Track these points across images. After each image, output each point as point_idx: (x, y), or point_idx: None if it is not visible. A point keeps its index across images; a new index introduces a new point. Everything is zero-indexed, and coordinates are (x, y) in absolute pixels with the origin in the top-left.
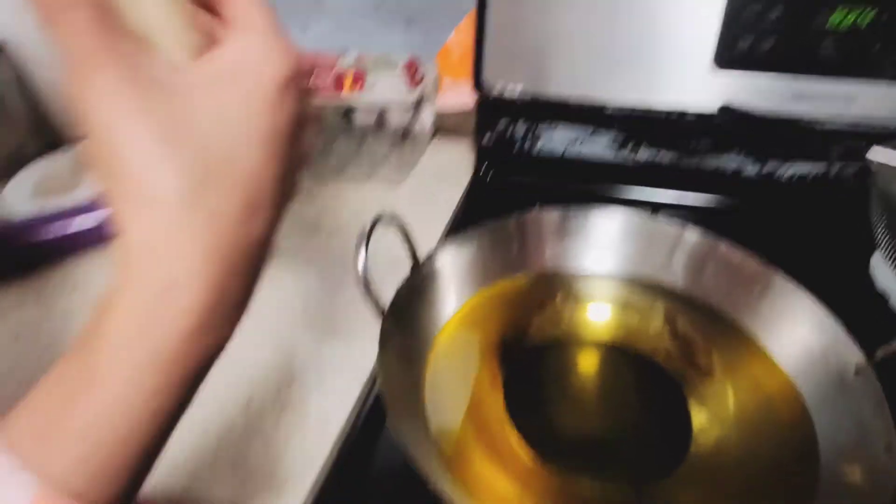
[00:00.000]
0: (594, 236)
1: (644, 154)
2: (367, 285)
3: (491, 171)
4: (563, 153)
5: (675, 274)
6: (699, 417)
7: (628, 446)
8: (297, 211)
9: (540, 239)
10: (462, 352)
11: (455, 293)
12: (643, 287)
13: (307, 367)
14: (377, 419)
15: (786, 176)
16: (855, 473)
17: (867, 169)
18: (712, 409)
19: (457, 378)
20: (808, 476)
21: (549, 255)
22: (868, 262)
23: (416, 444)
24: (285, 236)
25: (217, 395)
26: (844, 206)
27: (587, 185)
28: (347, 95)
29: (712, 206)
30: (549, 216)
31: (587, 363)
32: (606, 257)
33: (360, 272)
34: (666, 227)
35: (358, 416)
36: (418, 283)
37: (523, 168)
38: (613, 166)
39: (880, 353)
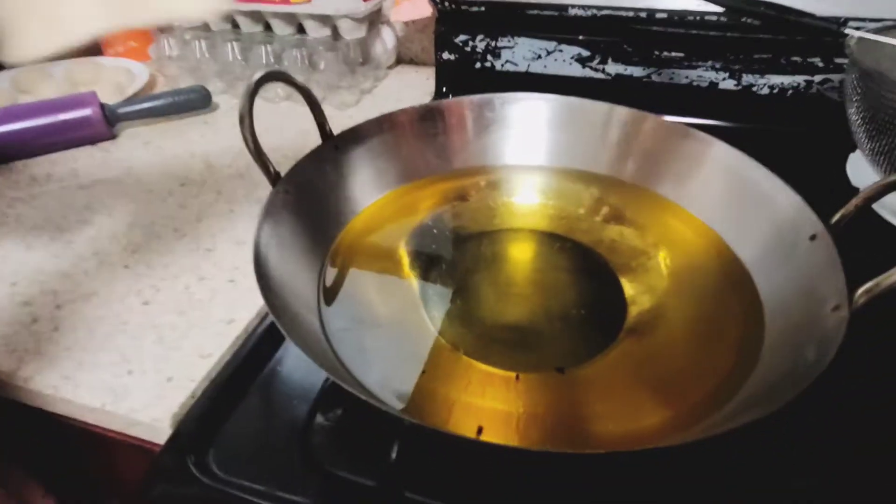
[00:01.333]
0: (520, 124)
1: (613, 68)
2: (256, 147)
3: (451, 93)
4: (528, 69)
5: (607, 155)
6: (632, 292)
7: (556, 330)
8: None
9: (463, 130)
10: (377, 243)
11: (373, 182)
12: (572, 173)
13: (217, 264)
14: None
15: (764, 89)
16: (800, 334)
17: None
18: (646, 282)
19: (368, 269)
20: (750, 340)
21: (473, 148)
22: (844, 164)
23: (309, 338)
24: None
25: (115, 293)
26: (822, 116)
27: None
28: (295, 5)
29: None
30: (471, 102)
31: (514, 251)
32: (533, 147)
33: (243, 123)
34: (595, 105)
35: (265, 312)
36: (330, 159)
37: (486, 88)
38: (582, 82)
39: (861, 295)
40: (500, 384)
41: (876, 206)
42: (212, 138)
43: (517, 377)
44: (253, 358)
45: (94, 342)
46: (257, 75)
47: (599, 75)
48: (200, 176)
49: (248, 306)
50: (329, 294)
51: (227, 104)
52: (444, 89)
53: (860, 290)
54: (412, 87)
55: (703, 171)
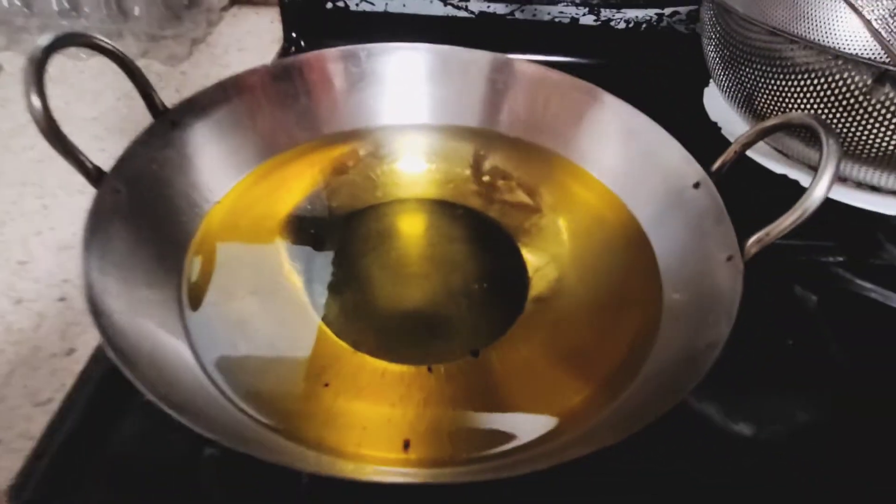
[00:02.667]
0: (393, 79)
1: (476, 6)
2: (59, 138)
3: (303, 38)
4: (386, 9)
5: (488, 108)
6: (534, 261)
7: (461, 310)
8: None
9: (327, 89)
10: (245, 237)
11: (228, 162)
12: (454, 130)
13: (39, 280)
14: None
15: (621, 23)
16: (699, 289)
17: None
18: (546, 249)
19: (240, 271)
20: (651, 299)
21: (342, 110)
22: (701, 97)
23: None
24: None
25: None
26: (675, 49)
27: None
28: None
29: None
30: (332, 55)
31: (403, 225)
32: (411, 104)
33: (35, 107)
34: (473, 54)
35: None
36: (168, 140)
37: (341, 31)
38: (444, 21)
39: (752, 245)
40: (414, 381)
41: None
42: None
43: (429, 369)
44: (107, 395)
45: None
46: (43, 41)
47: (462, 13)
48: None
49: (90, 329)
50: (196, 317)
51: (13, 65)
52: (294, 35)
53: (751, 240)
54: (254, 34)
55: (590, 123)
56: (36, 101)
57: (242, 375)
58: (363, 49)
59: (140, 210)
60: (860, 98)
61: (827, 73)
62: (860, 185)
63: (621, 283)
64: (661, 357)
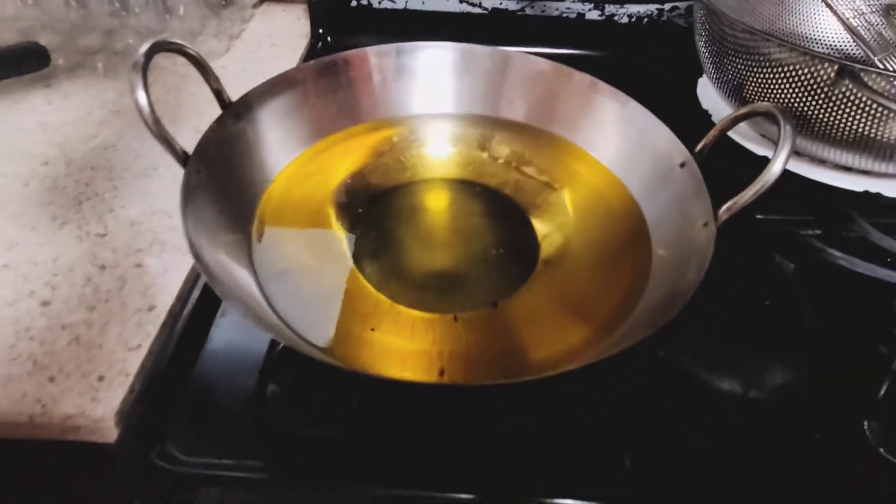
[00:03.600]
0: (423, 73)
1: (489, 2)
2: (156, 121)
3: (329, 34)
4: (406, 6)
5: (505, 99)
6: (543, 229)
7: (481, 271)
8: (89, 87)
9: (364, 83)
10: (299, 206)
11: (282, 145)
12: (475, 119)
13: (117, 250)
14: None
15: (624, 18)
16: (680, 249)
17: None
18: (554, 219)
19: (294, 234)
20: (642, 258)
21: (378, 101)
22: (696, 86)
23: (252, 304)
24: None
25: (3, 297)
26: (674, 42)
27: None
28: None
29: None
30: (369, 53)
31: (429, 201)
32: (438, 95)
33: (142, 105)
34: (492, 52)
35: (185, 294)
36: (234, 128)
37: (365, 27)
38: (460, 18)
39: (723, 212)
40: (442, 326)
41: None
42: (61, 105)
43: (455, 318)
44: (187, 340)
45: None
46: (144, 48)
47: (477, 10)
48: (62, 151)
49: (165, 290)
50: (264, 269)
51: (70, 62)
52: (321, 31)
53: (723, 208)
54: (283, 30)
55: (592, 112)
56: (142, 98)
57: (299, 315)
58: (395, 47)
59: (218, 183)
60: (825, 89)
61: (798, 67)
62: (836, 167)
63: (617, 244)
64: (649, 302)
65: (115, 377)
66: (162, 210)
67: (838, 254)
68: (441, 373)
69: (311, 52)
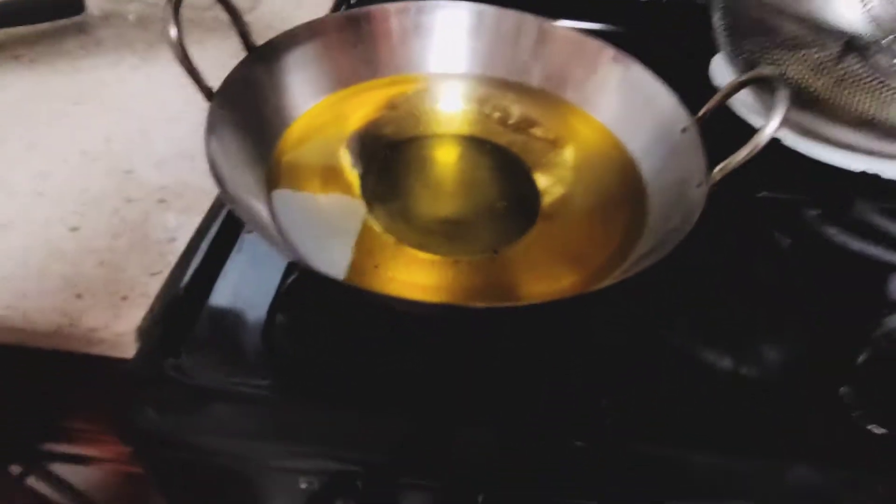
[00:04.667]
0: (440, 32)
1: None
2: (185, 56)
3: None
4: None
5: (518, 62)
6: (544, 183)
7: (485, 220)
8: (122, 35)
9: (384, 38)
10: (315, 148)
11: (303, 91)
12: (489, 79)
13: (143, 185)
14: (231, 231)
15: None
16: (674, 207)
17: None
18: (555, 175)
19: (309, 174)
20: (637, 216)
21: (396, 56)
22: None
23: (267, 230)
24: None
25: (36, 220)
26: (691, 20)
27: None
28: None
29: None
30: (390, 9)
31: (439, 154)
32: (453, 54)
33: (172, 38)
34: (507, 14)
35: (203, 229)
36: (257, 71)
37: None
38: None
39: (717, 173)
40: (443, 268)
41: (731, 104)
42: (94, 49)
43: (456, 262)
44: (205, 270)
45: (30, 272)
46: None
47: None
48: (94, 93)
49: (185, 226)
50: (278, 203)
51: (103, 10)
52: None
53: (716, 169)
54: None
55: (599, 76)
56: (174, 33)
57: (308, 247)
58: (415, 5)
59: (240, 120)
60: (833, 65)
61: (808, 41)
62: (841, 146)
63: (614, 201)
64: (639, 254)
65: (136, 298)
66: (187, 153)
67: (835, 232)
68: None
69: (337, 7)
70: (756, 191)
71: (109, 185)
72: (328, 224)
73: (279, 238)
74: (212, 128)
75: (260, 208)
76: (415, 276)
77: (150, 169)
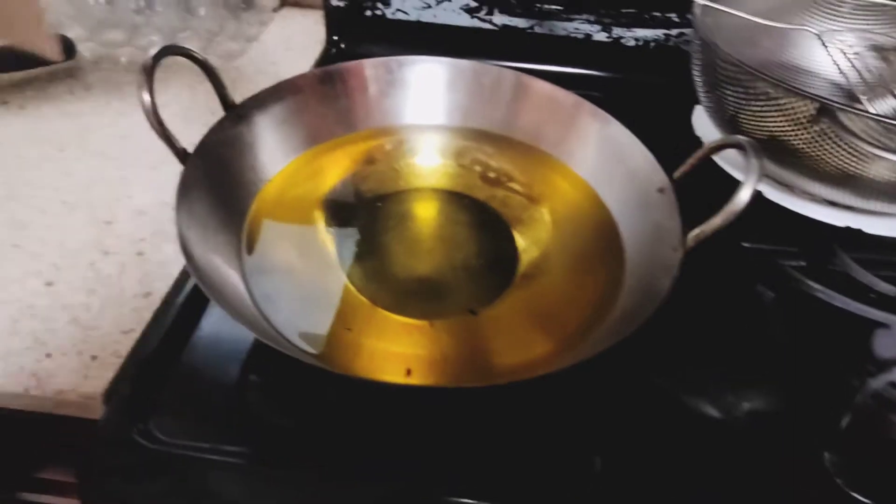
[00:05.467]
0: (418, 86)
1: (499, 19)
2: (158, 121)
3: (343, 42)
4: (418, 18)
5: (498, 115)
6: (523, 242)
7: (462, 279)
8: (111, 80)
9: (363, 92)
10: (291, 207)
11: (279, 149)
12: (468, 132)
13: (121, 237)
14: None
15: (631, 41)
16: (650, 269)
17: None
18: (534, 233)
19: (284, 234)
20: (614, 278)
21: (375, 110)
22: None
23: (237, 305)
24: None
25: (10, 275)
26: (678, 67)
27: (447, 55)
28: None
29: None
30: (369, 65)
31: (417, 209)
32: (432, 108)
33: (146, 105)
34: (486, 68)
35: (180, 284)
36: (234, 130)
37: (377, 36)
38: (471, 32)
39: (691, 239)
40: (417, 332)
41: (715, 158)
42: (82, 94)
43: (431, 323)
44: (178, 328)
45: (1, 329)
46: (153, 52)
47: (487, 26)
48: (79, 139)
49: (162, 278)
50: (251, 266)
51: (95, 54)
52: (336, 38)
53: (691, 235)
54: (301, 34)
55: (578, 131)
56: (146, 99)
57: (281, 310)
58: (394, 60)
59: (214, 182)
60: (807, 125)
61: (783, 102)
62: (823, 201)
63: (591, 263)
64: (612, 320)
65: (107, 358)
66: (167, 202)
67: (817, 286)
68: (408, 373)
69: (325, 58)
70: (741, 239)
71: (87, 236)
72: (301, 287)
73: (251, 310)
74: (183, 195)
75: (233, 276)
76: (388, 341)
77: (129, 219)
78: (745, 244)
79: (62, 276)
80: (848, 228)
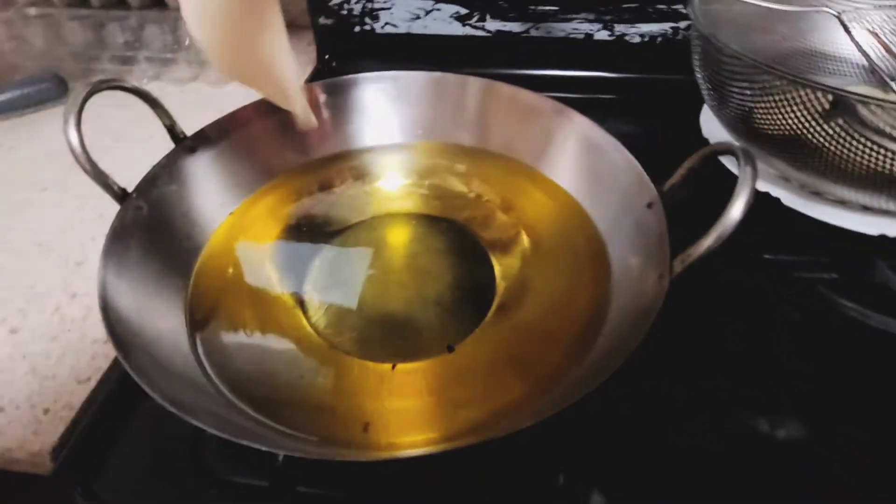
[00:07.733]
0: (373, 105)
1: (492, 25)
2: (88, 160)
3: (335, 60)
4: (409, 30)
5: (469, 126)
6: (501, 269)
7: (429, 319)
8: (106, 115)
9: (318, 117)
10: (248, 249)
11: (234, 182)
12: (439, 147)
13: (89, 279)
14: None
15: (636, 37)
16: (636, 298)
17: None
18: (513, 254)
19: (236, 281)
20: (603, 298)
21: (330, 135)
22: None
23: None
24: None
25: None
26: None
27: (440, 66)
28: None
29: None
30: (315, 88)
31: (382, 238)
32: (391, 126)
33: (73, 145)
34: (448, 78)
35: None
36: (183, 163)
37: (369, 51)
38: (464, 41)
39: (677, 264)
40: (380, 376)
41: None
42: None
43: (393, 367)
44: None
45: None
46: (81, 89)
47: (480, 33)
48: (62, 179)
49: None
50: (199, 318)
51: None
52: (327, 56)
53: (677, 259)
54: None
55: (559, 140)
56: (73, 136)
57: (229, 367)
58: (342, 80)
59: (159, 224)
60: (823, 120)
61: (793, 96)
62: (850, 206)
63: (575, 292)
64: (593, 359)
65: (59, 410)
66: None
67: (850, 304)
68: (365, 427)
69: (316, 77)
70: (763, 252)
71: (56, 279)
72: (259, 343)
73: (194, 379)
74: (112, 243)
75: (181, 349)
76: (346, 388)
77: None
78: (767, 256)
79: (27, 323)
80: (883, 237)
